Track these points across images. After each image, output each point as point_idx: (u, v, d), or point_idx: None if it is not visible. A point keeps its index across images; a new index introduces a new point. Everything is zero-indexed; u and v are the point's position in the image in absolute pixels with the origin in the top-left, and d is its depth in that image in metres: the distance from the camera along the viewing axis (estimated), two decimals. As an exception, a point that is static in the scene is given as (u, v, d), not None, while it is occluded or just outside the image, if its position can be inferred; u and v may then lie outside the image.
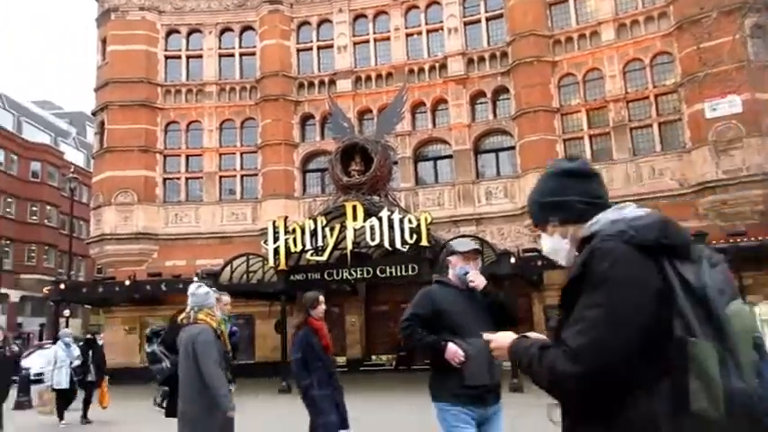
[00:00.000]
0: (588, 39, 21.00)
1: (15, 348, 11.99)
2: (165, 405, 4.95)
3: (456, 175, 22.12)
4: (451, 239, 16.90)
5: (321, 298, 5.99)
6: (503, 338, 1.80)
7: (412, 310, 3.73)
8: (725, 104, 17.82)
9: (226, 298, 6.10)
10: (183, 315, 4.76)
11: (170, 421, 4.77)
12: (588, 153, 20.60)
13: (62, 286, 20.04)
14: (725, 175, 17.81)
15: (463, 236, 16.93)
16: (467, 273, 3.68)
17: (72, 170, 25.73)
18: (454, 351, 3.50)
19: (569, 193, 1.67)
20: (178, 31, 25.14)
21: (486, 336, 1.92)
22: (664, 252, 1.42)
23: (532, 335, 1.71)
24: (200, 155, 24.24)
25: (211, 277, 18.10)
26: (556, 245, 1.73)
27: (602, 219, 1.56)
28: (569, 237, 1.68)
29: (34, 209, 38.36)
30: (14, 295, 36.00)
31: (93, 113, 25.45)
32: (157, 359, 4.93)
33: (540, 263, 17.03)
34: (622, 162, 19.90)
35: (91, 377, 11.49)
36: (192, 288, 4.78)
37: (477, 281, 3.66)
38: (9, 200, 37.03)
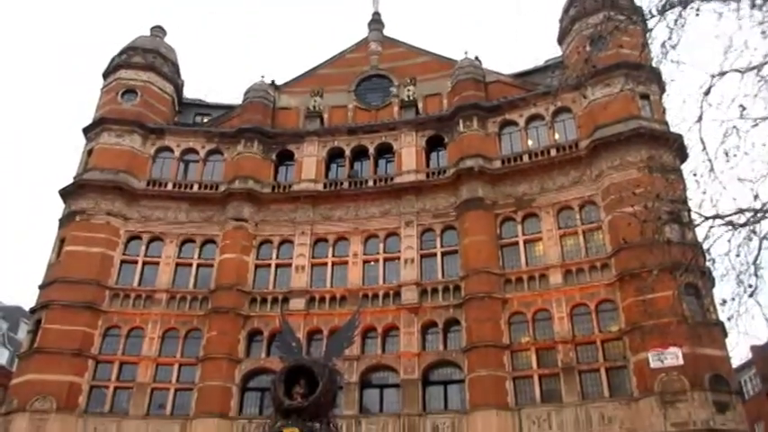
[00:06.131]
0: (537, 280, 22.01)
1: None
2: None
3: (402, 406, 21.21)
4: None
5: None
6: None
7: None
8: (667, 356, 18.25)
9: None
10: None
11: None
12: (538, 393, 20.31)
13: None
14: (673, 428, 17.61)
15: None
16: None
17: (-8, 369, 23.88)
18: None
19: None
20: (140, 238, 25.43)
21: None
22: None
23: None
24: (135, 363, 22.90)
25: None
26: None
27: None
28: None
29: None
30: None
31: (32, 311, 24.37)
32: None
33: None
34: (572, 406, 19.55)
35: None
36: None
37: None
38: None
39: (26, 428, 20.81)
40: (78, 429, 21.35)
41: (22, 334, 33.39)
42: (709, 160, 8.07)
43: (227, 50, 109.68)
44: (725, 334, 18.72)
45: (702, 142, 8.11)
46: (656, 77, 20.69)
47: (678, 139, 19.30)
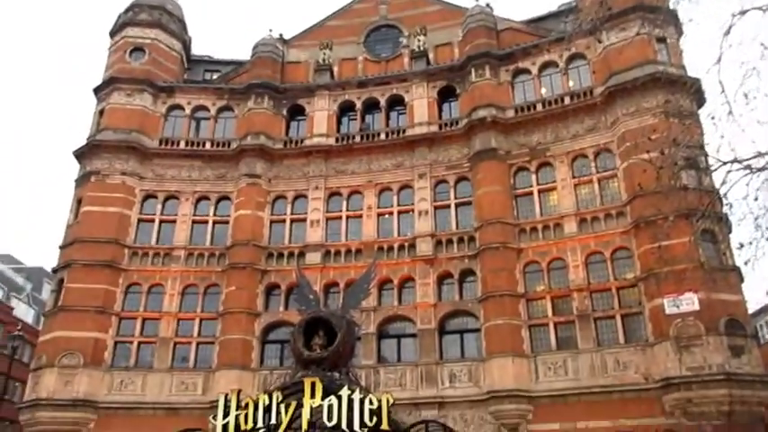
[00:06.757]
0: (552, 230, 21.98)
1: None
2: None
3: (420, 355, 21.63)
4: (413, 425, 16.02)
5: None
6: None
7: None
8: (683, 301, 18.31)
9: None
10: None
11: None
12: (553, 340, 20.58)
13: (-20, 456, 18.05)
14: (688, 372, 17.76)
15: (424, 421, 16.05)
16: None
17: (19, 327, 24.57)
18: None
19: None
20: (155, 197, 25.66)
21: None
22: None
23: None
24: (157, 319, 23.45)
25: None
26: None
27: None
28: None
29: (-34, 366, 35.59)
30: (-76, 464, 32.13)
31: (54, 270, 24.90)
32: None
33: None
34: (587, 352, 19.81)
35: None
36: None
37: None
38: (-58, 355, 34.45)
39: (55, 383, 21.54)
40: (104, 383, 22.07)
41: (46, 294, 34.20)
42: (728, 103, 7.91)
43: (233, 4, 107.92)
44: (741, 279, 18.74)
45: (721, 84, 7.94)
46: (673, 20, 20.14)
47: (695, 83, 18.96)
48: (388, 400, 14.81)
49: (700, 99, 20.11)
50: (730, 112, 7.92)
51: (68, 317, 22.65)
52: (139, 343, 23.17)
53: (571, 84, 24.15)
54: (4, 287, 41.87)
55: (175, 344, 23.13)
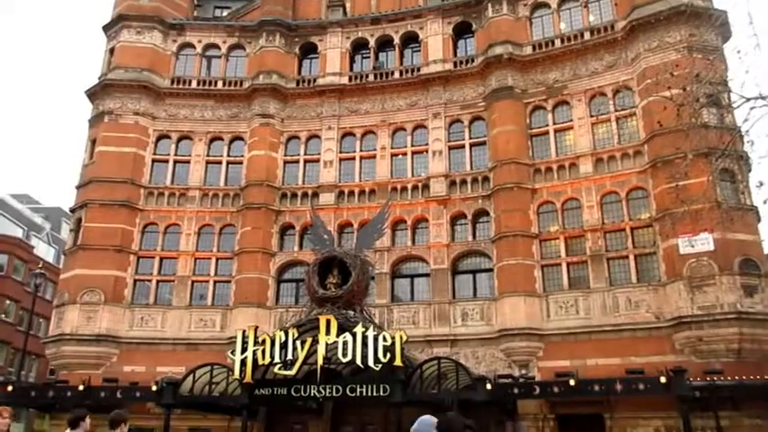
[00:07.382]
0: (567, 170, 21.74)
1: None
2: None
3: (432, 295, 21.89)
4: (426, 361, 16.41)
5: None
6: None
7: None
8: (698, 241, 18.19)
9: None
10: None
11: None
12: (565, 280, 20.68)
13: (9, 388, 18.83)
14: (700, 311, 17.86)
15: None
16: None
17: (40, 265, 25.13)
18: None
19: None
20: (169, 137, 25.64)
21: None
22: None
23: None
24: (174, 258, 23.85)
25: (171, 386, 17.21)
26: None
27: None
28: None
29: (-8, 302, 36.75)
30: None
31: (72, 210, 25.23)
32: None
33: (515, 390, 16.55)
34: (599, 291, 19.93)
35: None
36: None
37: None
38: (-33, 291, 35.56)
39: (78, 318, 22.19)
40: (125, 319, 22.70)
41: (65, 233, 34.75)
42: (756, 35, 7.60)
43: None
44: (759, 218, 18.56)
45: (749, 16, 7.62)
46: (700, -52, 19.23)
47: (722, 15, 18.24)
48: (401, 337, 15.17)
49: (725, 33, 19.41)
50: (757, 45, 7.63)
51: (88, 255, 23.10)
52: (158, 281, 23.67)
53: (591, 18, 23.35)
54: (23, 227, 42.66)
55: (193, 282, 23.60)
